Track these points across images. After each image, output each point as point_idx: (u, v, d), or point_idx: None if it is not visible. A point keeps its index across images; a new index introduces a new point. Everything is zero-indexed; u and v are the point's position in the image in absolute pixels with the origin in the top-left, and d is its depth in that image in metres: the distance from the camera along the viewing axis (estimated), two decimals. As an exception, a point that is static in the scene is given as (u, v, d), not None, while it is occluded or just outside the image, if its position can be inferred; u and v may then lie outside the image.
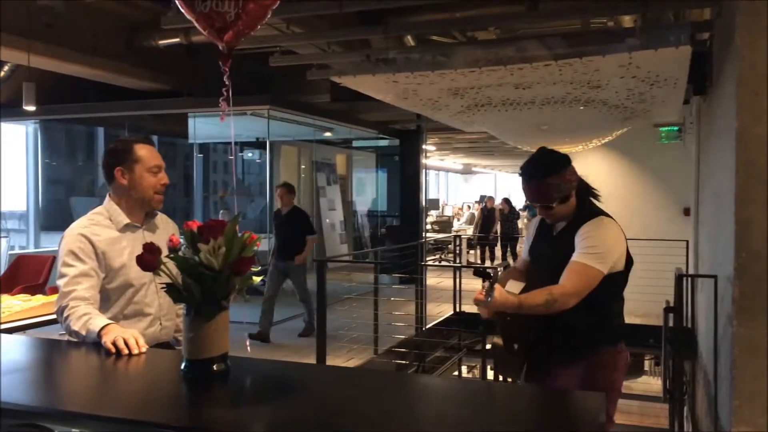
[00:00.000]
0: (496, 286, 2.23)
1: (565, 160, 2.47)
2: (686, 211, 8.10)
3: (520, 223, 15.23)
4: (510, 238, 13.96)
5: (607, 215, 2.46)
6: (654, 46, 3.72)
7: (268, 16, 2.22)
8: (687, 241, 7.08)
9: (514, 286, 2.48)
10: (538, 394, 1.99)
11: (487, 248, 14.60)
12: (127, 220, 2.34)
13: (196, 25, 2.20)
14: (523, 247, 2.81)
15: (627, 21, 4.97)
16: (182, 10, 2.19)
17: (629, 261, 2.43)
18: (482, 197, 18.21)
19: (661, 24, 4.62)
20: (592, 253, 2.31)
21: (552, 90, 4.86)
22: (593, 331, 2.39)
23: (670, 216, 8.42)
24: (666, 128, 7.95)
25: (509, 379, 2.69)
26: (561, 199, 2.42)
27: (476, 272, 2.42)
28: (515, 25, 5.64)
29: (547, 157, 2.49)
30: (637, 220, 8.45)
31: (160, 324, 2.37)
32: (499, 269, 2.39)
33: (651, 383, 7.38)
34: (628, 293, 2.53)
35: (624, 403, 6.44)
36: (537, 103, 5.38)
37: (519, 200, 16.06)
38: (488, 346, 5.51)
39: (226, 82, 2.15)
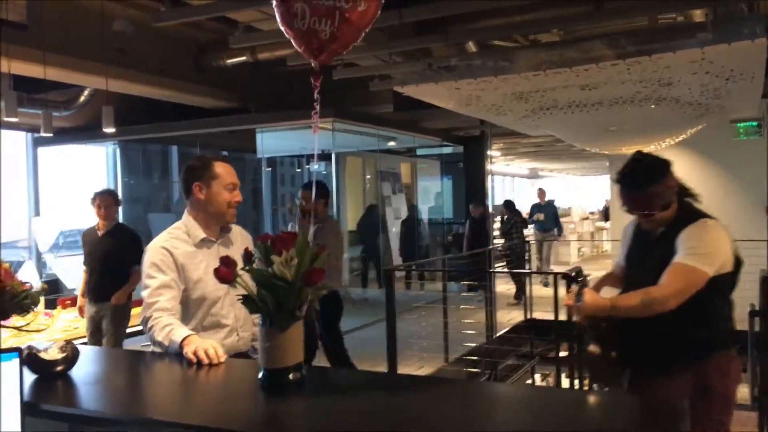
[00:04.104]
0: (587, 288, 2.17)
1: (666, 167, 2.35)
2: (769, 210, 7.72)
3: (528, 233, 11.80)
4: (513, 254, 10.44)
5: (710, 217, 2.34)
6: (727, 40, 3.58)
7: (361, 38, 2.29)
8: (770, 241, 6.74)
9: (609, 293, 2.41)
10: (616, 401, 1.93)
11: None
12: (203, 235, 2.43)
13: (293, 42, 2.29)
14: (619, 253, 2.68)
15: (698, 15, 4.81)
16: (282, 28, 2.30)
17: (738, 262, 2.32)
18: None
19: (733, 17, 4.45)
20: (695, 254, 2.20)
21: (620, 89, 4.74)
22: (705, 336, 2.28)
23: (751, 215, 8.03)
24: (744, 124, 7.62)
25: (606, 388, 2.59)
26: (663, 207, 2.32)
27: (564, 276, 2.36)
28: (579, 26, 5.55)
29: (648, 164, 2.37)
30: (716, 221, 8.10)
31: (237, 335, 2.44)
32: (589, 274, 2.29)
33: (738, 390, 7.04)
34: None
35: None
36: (605, 104, 5.25)
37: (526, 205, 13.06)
38: (560, 353, 5.40)
39: (317, 97, 2.25)
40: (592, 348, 2.41)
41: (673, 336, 2.24)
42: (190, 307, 2.37)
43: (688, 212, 2.35)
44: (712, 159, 8.50)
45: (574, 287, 2.20)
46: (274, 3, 2.31)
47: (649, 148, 8.41)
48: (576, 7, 4.85)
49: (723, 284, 2.27)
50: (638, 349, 2.33)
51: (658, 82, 4.49)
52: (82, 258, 5.18)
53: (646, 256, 2.41)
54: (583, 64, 4.08)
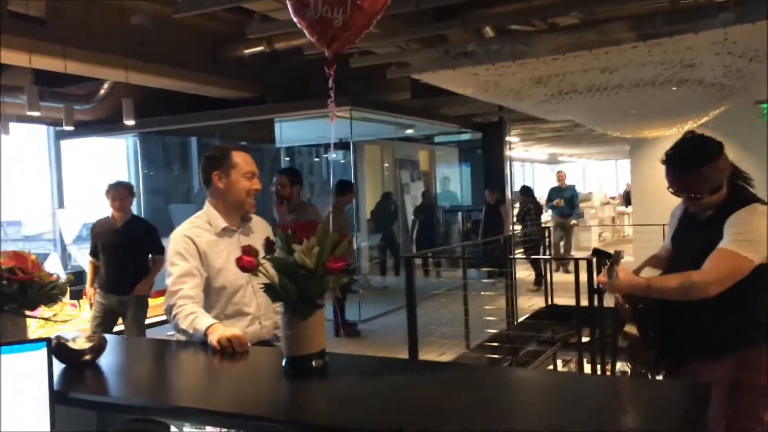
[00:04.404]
0: (621, 266, 2.10)
1: (718, 149, 2.25)
2: (794, 192, 7.59)
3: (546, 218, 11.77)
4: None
5: (763, 202, 2.23)
6: (751, 20, 3.51)
7: (372, 25, 2.29)
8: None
9: (649, 274, 2.36)
10: (638, 385, 1.92)
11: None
12: (224, 224, 2.46)
13: (306, 32, 2.29)
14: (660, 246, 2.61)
15: (720, -5, 4.72)
16: (294, 19, 2.30)
17: None
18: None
19: (757, -5, 4.36)
20: (742, 240, 2.10)
21: (641, 72, 4.67)
22: (745, 327, 2.20)
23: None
24: (768, 104, 7.49)
25: (642, 371, 2.55)
26: (712, 190, 2.22)
27: (595, 252, 2.31)
28: (598, 8, 5.47)
29: (699, 145, 2.27)
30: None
31: (260, 323, 2.46)
32: (621, 250, 2.22)
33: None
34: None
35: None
36: (626, 87, 5.18)
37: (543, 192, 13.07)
38: (582, 339, 5.38)
39: (331, 86, 2.26)
40: (628, 329, 2.36)
41: (710, 323, 2.17)
42: (212, 296, 2.39)
43: (738, 196, 2.24)
44: (734, 141, 8.33)
45: (608, 264, 2.13)
46: None
47: (671, 131, 8.30)
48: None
49: None
50: (674, 334, 2.27)
51: (679, 63, 4.41)
52: (95, 249, 5.11)
53: (692, 239, 2.32)
54: (602, 46, 4.03)
